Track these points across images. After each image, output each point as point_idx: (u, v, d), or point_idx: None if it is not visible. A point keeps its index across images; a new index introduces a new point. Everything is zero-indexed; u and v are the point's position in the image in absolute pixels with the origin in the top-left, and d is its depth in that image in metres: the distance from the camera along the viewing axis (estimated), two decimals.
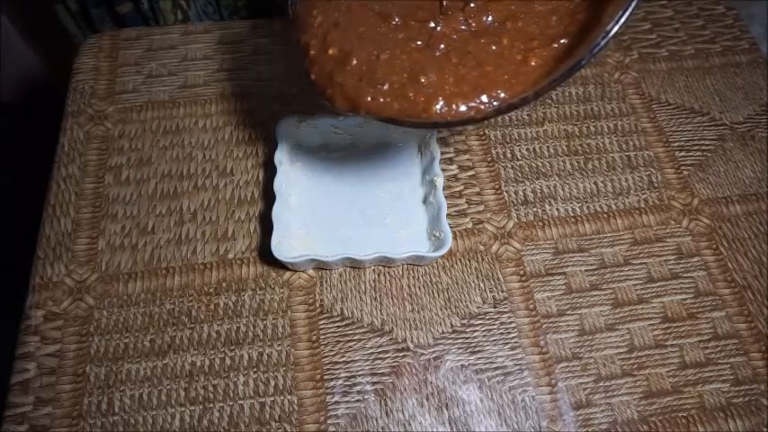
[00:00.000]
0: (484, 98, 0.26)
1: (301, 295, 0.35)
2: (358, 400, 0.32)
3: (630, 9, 0.22)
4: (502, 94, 0.26)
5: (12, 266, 0.49)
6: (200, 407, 0.32)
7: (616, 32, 0.23)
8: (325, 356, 0.33)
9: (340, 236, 0.36)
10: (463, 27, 0.29)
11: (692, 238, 0.38)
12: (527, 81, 0.26)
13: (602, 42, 0.23)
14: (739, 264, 0.37)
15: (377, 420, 0.31)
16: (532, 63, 0.26)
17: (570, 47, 0.26)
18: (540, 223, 0.38)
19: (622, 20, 0.22)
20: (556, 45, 0.27)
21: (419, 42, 0.28)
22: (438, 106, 0.26)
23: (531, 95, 0.24)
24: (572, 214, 0.38)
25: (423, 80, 0.27)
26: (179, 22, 0.58)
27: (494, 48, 0.28)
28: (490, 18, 0.28)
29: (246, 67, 0.44)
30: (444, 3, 0.29)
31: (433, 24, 0.29)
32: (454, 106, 0.26)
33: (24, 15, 0.70)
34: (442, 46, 0.28)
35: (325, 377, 0.32)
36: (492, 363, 0.33)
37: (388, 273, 0.36)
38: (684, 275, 0.37)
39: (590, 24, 0.26)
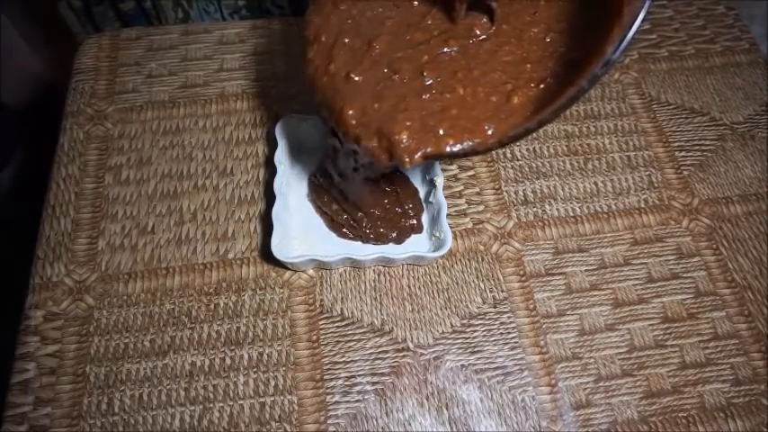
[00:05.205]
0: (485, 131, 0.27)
1: (301, 295, 0.35)
2: (358, 400, 0.32)
3: (629, 37, 0.22)
4: (490, 130, 0.26)
5: (12, 266, 0.49)
6: (201, 407, 0.32)
7: (615, 60, 0.23)
8: (325, 356, 0.33)
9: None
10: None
11: (692, 238, 0.38)
12: (522, 114, 0.26)
13: (600, 72, 0.23)
14: (739, 264, 0.37)
15: (377, 420, 0.31)
16: (515, 101, 0.27)
17: (559, 83, 0.26)
18: (540, 223, 0.38)
19: (622, 46, 0.23)
20: (543, 85, 0.27)
21: None
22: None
23: (534, 125, 0.25)
24: (572, 214, 0.38)
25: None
26: (179, 21, 0.58)
27: (448, 96, 0.28)
28: (429, 81, 0.28)
29: (246, 67, 0.44)
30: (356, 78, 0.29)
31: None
32: (443, 145, 0.26)
33: (24, 15, 0.70)
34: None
35: (325, 377, 0.32)
36: (492, 363, 0.33)
37: (388, 273, 0.36)
38: (684, 275, 0.37)
39: (582, 61, 0.26)
